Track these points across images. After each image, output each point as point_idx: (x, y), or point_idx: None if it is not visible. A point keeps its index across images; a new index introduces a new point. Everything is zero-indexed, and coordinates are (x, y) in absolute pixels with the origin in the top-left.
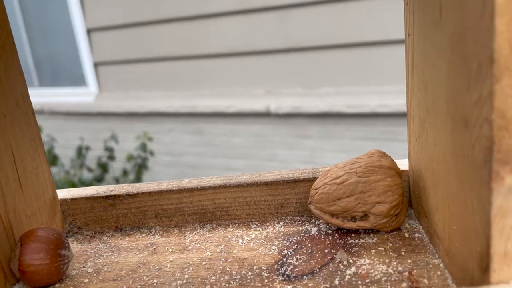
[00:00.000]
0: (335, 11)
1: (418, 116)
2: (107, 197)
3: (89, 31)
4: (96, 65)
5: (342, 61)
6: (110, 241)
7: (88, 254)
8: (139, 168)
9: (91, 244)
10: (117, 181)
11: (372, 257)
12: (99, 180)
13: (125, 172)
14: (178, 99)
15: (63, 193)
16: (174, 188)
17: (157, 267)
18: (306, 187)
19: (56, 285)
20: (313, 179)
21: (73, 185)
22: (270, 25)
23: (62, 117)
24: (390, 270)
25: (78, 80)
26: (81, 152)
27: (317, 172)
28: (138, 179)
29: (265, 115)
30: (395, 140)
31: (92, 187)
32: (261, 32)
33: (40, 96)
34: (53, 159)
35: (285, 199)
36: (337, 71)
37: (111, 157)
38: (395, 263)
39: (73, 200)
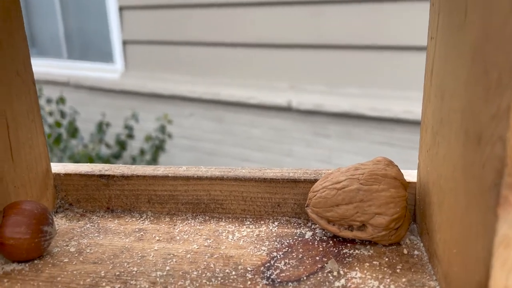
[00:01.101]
0: (369, 11)
1: (432, 127)
2: (101, 176)
3: (121, 9)
4: (124, 43)
5: (369, 62)
6: (99, 221)
7: (74, 233)
8: (156, 149)
9: (80, 222)
10: (133, 160)
11: (365, 271)
12: (116, 157)
13: (142, 152)
14: (201, 85)
15: (57, 167)
16: (169, 175)
17: (140, 255)
18: (306, 188)
19: (35, 261)
20: (314, 181)
21: (90, 159)
22: (302, 20)
23: (87, 91)
24: (382, 287)
25: (105, 56)
26: (101, 127)
27: (320, 174)
28: (154, 160)
29: (286, 109)
30: (415, 149)
31: (88, 164)
32: (292, 26)
33: (67, 69)
34: (74, 132)
35: (283, 198)
36: (364, 72)
37: (130, 136)
38: (388, 280)
39: (67, 175)
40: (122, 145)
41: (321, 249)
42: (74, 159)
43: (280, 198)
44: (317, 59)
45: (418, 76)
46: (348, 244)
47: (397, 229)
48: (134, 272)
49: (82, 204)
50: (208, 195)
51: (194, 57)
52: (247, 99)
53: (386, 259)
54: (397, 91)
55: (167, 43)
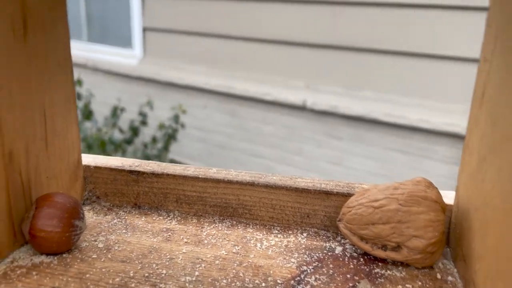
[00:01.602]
0: (392, 16)
1: (478, 152)
2: (131, 171)
3: None
4: (145, 29)
5: (388, 67)
6: (126, 217)
7: (102, 228)
8: (168, 138)
9: (107, 217)
10: (145, 146)
11: None
12: (128, 143)
13: (154, 140)
14: (217, 77)
15: (88, 159)
16: (200, 176)
17: (168, 257)
18: (338, 201)
19: (64, 255)
20: (347, 194)
21: (102, 143)
22: (323, 19)
23: (104, 75)
24: None
25: (125, 41)
26: (116, 112)
27: (352, 188)
28: (165, 148)
29: (300, 108)
30: (428, 158)
31: (118, 158)
32: (313, 25)
33: (86, 51)
34: (88, 114)
35: (313, 209)
36: (381, 76)
37: (144, 122)
38: None
39: (97, 168)
40: (135, 131)
41: (352, 266)
42: (87, 142)
43: (310, 209)
44: (335, 60)
45: (436, 85)
46: (380, 264)
47: (433, 253)
48: (163, 275)
49: (110, 198)
50: (237, 199)
51: (212, 49)
52: (261, 95)
53: (419, 283)
54: (414, 98)
55: (187, 33)
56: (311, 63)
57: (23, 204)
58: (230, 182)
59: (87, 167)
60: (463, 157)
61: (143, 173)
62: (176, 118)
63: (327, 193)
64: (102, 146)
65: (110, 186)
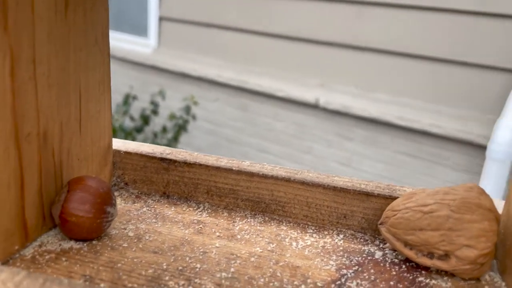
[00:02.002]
0: (410, 18)
1: None
2: (162, 159)
3: None
4: (161, 19)
5: (403, 70)
6: (155, 206)
7: (131, 216)
8: (179, 129)
9: (135, 204)
10: (155, 135)
11: None
12: (138, 131)
13: (164, 129)
14: (231, 70)
15: (118, 144)
16: (233, 168)
17: (201, 250)
18: (378, 204)
19: (93, 242)
20: (388, 197)
21: (113, 130)
22: (343, 19)
23: (117, 62)
24: None
25: (140, 29)
26: (128, 100)
27: (394, 190)
28: (175, 139)
29: (313, 107)
30: (439, 165)
31: (148, 144)
32: (332, 24)
33: None
34: None
35: (351, 210)
36: (396, 79)
37: (155, 112)
38: None
39: (127, 154)
40: (146, 120)
41: (394, 273)
42: None
43: (347, 210)
44: (352, 60)
45: (451, 90)
46: (423, 272)
47: (482, 264)
48: (197, 269)
49: (138, 185)
50: (271, 195)
51: (227, 42)
52: (274, 91)
53: None
54: (428, 103)
55: (203, 24)
56: (327, 61)
57: (53, 186)
58: (264, 176)
59: (117, 152)
60: None
61: (175, 161)
62: (187, 109)
63: (367, 194)
64: (112, 133)
65: (139, 173)
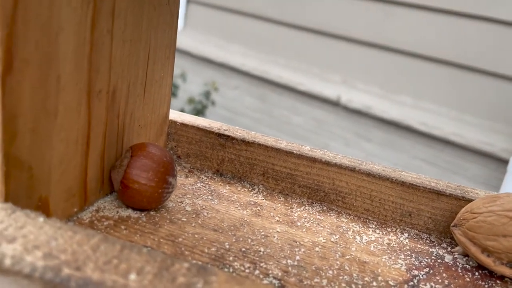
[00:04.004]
0: (440, 23)
1: None
2: (220, 135)
3: None
4: (189, 1)
5: (430, 75)
6: (209, 183)
7: (186, 190)
8: (196, 113)
9: (189, 179)
10: None
11: None
12: None
13: (182, 112)
14: (253, 59)
15: (174, 115)
16: (294, 151)
17: (262, 233)
18: (448, 204)
19: (151, 212)
20: (461, 198)
21: None
22: (372, 17)
23: None
24: None
25: None
26: None
27: (466, 192)
28: None
29: (333, 103)
30: (457, 174)
31: (204, 119)
32: (360, 21)
33: None
34: None
35: (418, 209)
36: (422, 83)
37: (174, 94)
38: None
39: (183, 125)
40: None
41: (467, 279)
42: None
43: (413, 208)
44: (377, 60)
45: (477, 100)
46: (498, 281)
47: None
48: (261, 253)
49: (191, 159)
50: (331, 183)
51: (253, 31)
52: (295, 84)
53: None
54: (452, 111)
55: (230, 11)
56: (352, 59)
57: (114, 150)
58: (327, 163)
59: (173, 123)
60: None
61: (233, 138)
62: (207, 94)
63: (438, 193)
64: None
65: (194, 146)
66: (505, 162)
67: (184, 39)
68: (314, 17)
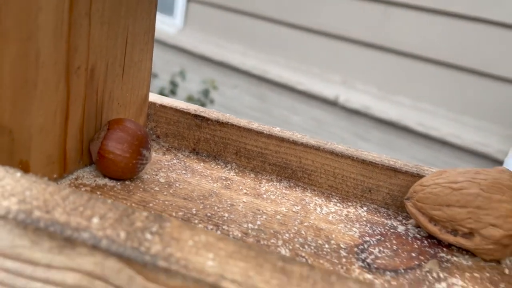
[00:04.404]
0: (440, 24)
1: None
2: (196, 116)
3: None
4: (189, 0)
5: (428, 76)
6: (185, 160)
7: (162, 165)
8: None
9: (166, 156)
10: None
11: (466, 281)
12: None
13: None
14: (253, 58)
15: (154, 97)
16: (264, 131)
17: (229, 203)
18: (405, 181)
19: (126, 182)
20: (416, 175)
21: None
22: (371, 18)
23: None
24: None
25: (167, 8)
26: None
27: (422, 170)
28: None
29: (332, 103)
30: None
31: (182, 101)
32: (359, 21)
33: None
34: None
35: (377, 185)
36: (420, 84)
37: (173, 92)
38: None
39: (162, 107)
40: None
41: (416, 246)
42: None
43: (373, 184)
44: (376, 60)
45: (475, 101)
46: (445, 249)
47: (505, 246)
48: (225, 218)
49: (170, 139)
50: (298, 162)
51: (253, 30)
52: (294, 84)
53: (487, 274)
54: (450, 112)
55: (230, 10)
56: (351, 59)
57: (94, 124)
58: (294, 142)
59: (153, 104)
60: None
61: (208, 119)
62: (206, 93)
63: (395, 170)
64: None
65: (172, 127)
66: (500, 163)
67: (184, 38)
68: (314, 17)
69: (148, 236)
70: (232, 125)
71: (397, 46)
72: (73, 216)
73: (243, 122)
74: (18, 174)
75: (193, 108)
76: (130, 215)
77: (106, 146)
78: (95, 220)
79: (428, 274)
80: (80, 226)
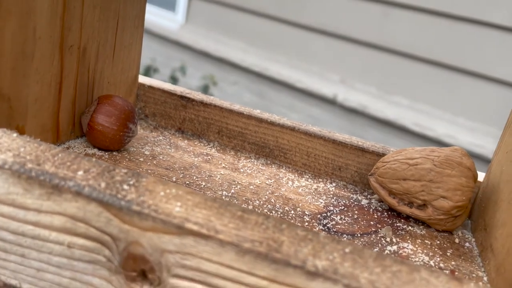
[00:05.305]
0: (438, 26)
1: None
2: (182, 97)
3: None
4: None
5: (426, 76)
6: (170, 137)
7: (148, 140)
8: None
9: (153, 133)
10: None
11: (416, 246)
12: None
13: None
14: (253, 55)
15: (143, 79)
16: (245, 112)
17: (207, 174)
18: (371, 160)
19: (114, 153)
20: (382, 154)
21: None
22: (371, 17)
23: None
24: (432, 263)
25: (169, 4)
26: (149, 72)
27: (388, 150)
28: None
29: (330, 102)
30: None
31: (170, 84)
32: (359, 21)
33: None
34: None
35: (346, 163)
36: (418, 85)
37: None
38: (438, 259)
39: (151, 88)
40: None
41: (375, 216)
42: None
43: (342, 163)
44: (375, 60)
45: (471, 103)
46: (402, 220)
47: (455, 217)
48: (202, 186)
49: (157, 118)
50: (275, 141)
51: (254, 27)
52: (294, 82)
53: (438, 242)
54: (446, 113)
55: (232, 7)
56: (350, 58)
57: (85, 99)
58: (272, 123)
59: (142, 85)
60: (503, 137)
61: (193, 100)
62: (205, 89)
63: (363, 150)
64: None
65: (159, 107)
66: None
67: (185, 33)
68: (314, 16)
69: (126, 187)
70: (215, 106)
71: (396, 46)
72: (61, 169)
73: (225, 103)
74: (14, 134)
75: (179, 89)
76: (111, 170)
77: (95, 118)
78: (80, 172)
79: (382, 239)
80: (66, 176)
